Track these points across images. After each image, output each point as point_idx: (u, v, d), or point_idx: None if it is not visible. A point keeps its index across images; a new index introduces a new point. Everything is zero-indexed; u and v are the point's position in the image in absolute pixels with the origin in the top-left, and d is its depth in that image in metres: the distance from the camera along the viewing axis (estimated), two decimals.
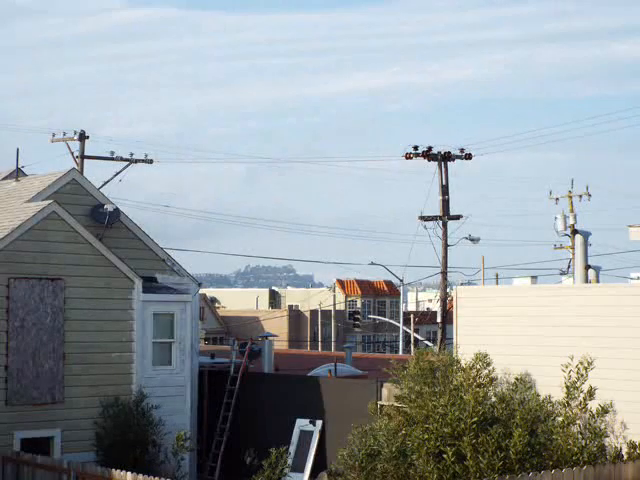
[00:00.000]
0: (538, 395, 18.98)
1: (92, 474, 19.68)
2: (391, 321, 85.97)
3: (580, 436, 18.12)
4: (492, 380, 19.45)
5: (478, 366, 19.45)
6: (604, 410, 18.32)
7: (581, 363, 18.56)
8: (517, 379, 19.74)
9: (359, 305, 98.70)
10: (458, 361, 20.03)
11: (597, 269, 32.54)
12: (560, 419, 18.35)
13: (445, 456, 17.55)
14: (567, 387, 18.59)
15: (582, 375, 18.54)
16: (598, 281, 31.53)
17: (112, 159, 46.65)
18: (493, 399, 18.94)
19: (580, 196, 53.66)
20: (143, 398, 24.52)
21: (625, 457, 18.00)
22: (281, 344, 71.40)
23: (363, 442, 19.46)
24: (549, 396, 18.85)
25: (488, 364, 19.63)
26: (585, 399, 18.43)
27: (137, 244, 26.38)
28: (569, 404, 18.50)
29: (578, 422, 18.32)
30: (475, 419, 17.74)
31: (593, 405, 18.49)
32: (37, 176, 27.44)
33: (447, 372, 19.81)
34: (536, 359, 20.34)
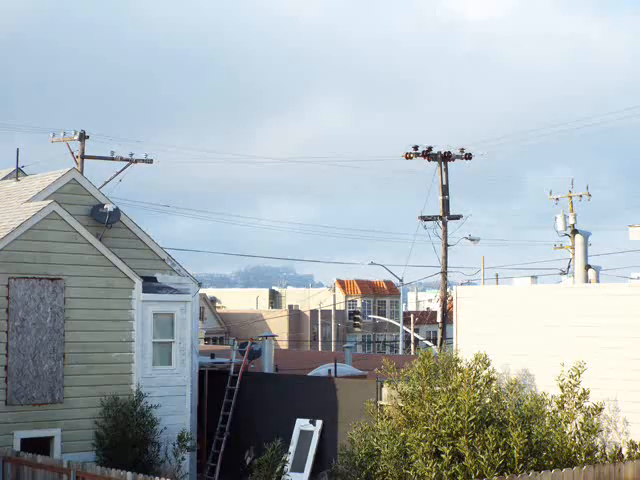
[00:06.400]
0: (535, 394, 18.97)
1: (92, 474, 19.66)
2: (391, 321, 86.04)
3: (577, 436, 18.10)
4: (491, 380, 19.44)
5: (478, 367, 19.44)
6: (598, 408, 18.30)
7: (577, 363, 18.50)
8: (516, 378, 19.74)
9: (359, 305, 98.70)
10: (458, 361, 20.01)
11: (597, 269, 32.57)
12: (557, 418, 18.33)
13: (443, 456, 17.56)
14: (561, 387, 18.56)
15: (576, 374, 18.49)
16: (598, 281, 31.55)
17: (112, 159, 46.69)
18: (489, 399, 18.93)
19: (580, 196, 53.67)
20: (142, 398, 24.53)
21: (625, 457, 17.99)
22: (281, 344, 71.52)
23: (363, 441, 19.45)
24: (547, 395, 18.83)
25: (488, 365, 19.63)
26: (580, 398, 18.41)
27: (137, 244, 26.36)
28: (565, 404, 18.48)
29: (575, 421, 18.31)
30: (472, 418, 17.74)
31: (590, 404, 18.47)
32: (37, 176, 27.42)
33: (447, 372, 19.79)
34: (536, 359, 20.36)
